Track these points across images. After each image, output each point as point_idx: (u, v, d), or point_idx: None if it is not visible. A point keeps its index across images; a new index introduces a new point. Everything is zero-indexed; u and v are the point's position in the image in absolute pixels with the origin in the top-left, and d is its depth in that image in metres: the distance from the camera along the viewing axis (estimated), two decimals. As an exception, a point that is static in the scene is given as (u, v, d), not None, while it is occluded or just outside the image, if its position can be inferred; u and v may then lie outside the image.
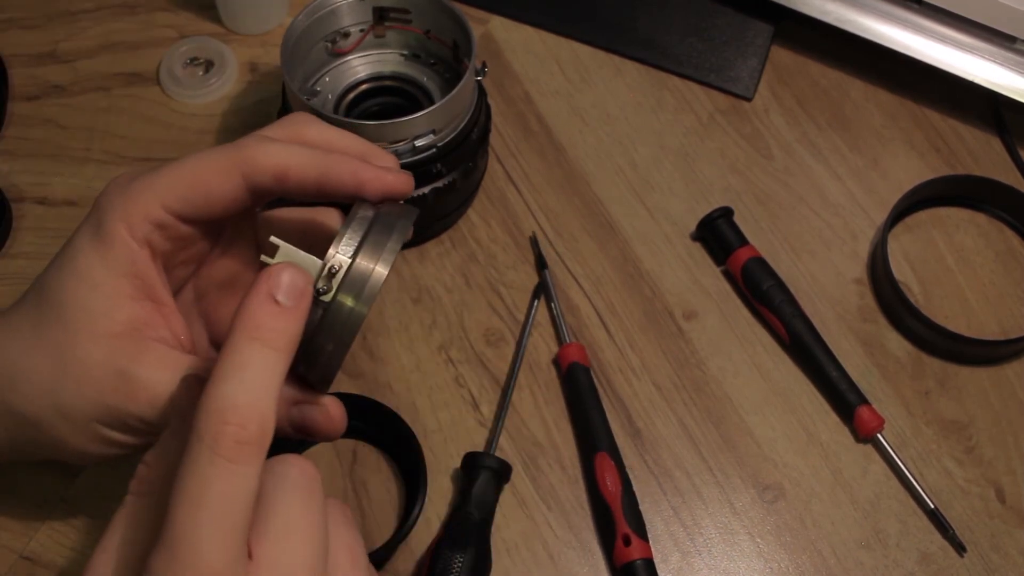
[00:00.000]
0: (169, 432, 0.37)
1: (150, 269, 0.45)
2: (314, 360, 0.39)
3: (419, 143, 0.55)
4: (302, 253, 0.39)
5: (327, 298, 0.38)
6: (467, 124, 0.57)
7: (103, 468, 0.55)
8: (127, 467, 0.55)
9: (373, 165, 0.43)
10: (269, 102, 0.66)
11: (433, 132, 0.55)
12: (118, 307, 0.45)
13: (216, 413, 0.33)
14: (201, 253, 0.47)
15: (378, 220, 0.40)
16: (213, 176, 0.44)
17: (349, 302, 0.38)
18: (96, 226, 0.44)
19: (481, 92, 0.58)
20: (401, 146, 0.55)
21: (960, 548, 0.54)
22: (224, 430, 0.33)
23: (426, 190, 0.56)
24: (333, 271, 0.38)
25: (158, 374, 0.44)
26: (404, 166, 0.55)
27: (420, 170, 0.56)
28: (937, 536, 0.54)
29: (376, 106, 0.61)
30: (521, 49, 0.68)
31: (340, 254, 0.38)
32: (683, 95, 0.67)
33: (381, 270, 0.38)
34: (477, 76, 0.57)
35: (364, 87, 0.61)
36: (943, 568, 0.54)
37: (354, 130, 0.54)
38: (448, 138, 0.56)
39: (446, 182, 0.57)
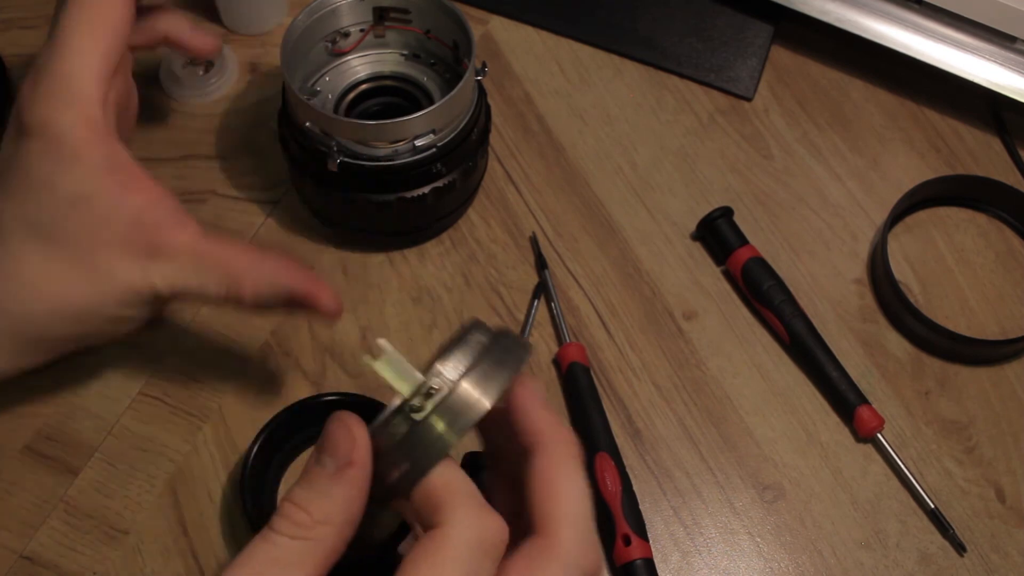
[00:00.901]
0: (328, 478, 0.37)
1: (119, 149, 0.47)
2: (383, 477, 0.37)
3: (419, 143, 0.55)
4: (406, 363, 0.37)
5: (418, 416, 0.36)
6: (467, 124, 0.57)
7: (103, 468, 0.55)
8: (127, 467, 0.55)
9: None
10: (269, 102, 0.66)
11: (433, 132, 0.55)
12: (118, 207, 0.46)
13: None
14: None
15: (492, 350, 0.38)
16: (118, 14, 0.47)
17: (440, 427, 0.36)
18: (56, 144, 0.45)
19: (481, 92, 0.58)
20: (401, 146, 0.55)
21: (960, 548, 0.54)
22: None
23: (426, 190, 0.56)
24: (431, 392, 0.36)
25: (175, 267, 0.47)
26: (404, 166, 0.55)
27: (420, 170, 0.55)
28: (937, 536, 0.54)
29: (376, 106, 0.61)
30: (521, 49, 0.68)
31: (445, 373, 0.37)
32: (683, 95, 0.67)
33: (485, 402, 0.36)
34: (477, 76, 0.57)
35: (364, 87, 0.61)
36: (943, 568, 0.54)
37: (355, 130, 0.54)
38: (448, 138, 0.56)
39: (446, 182, 0.57)
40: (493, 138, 0.64)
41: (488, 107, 0.60)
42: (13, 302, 0.47)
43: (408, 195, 0.56)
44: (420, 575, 0.35)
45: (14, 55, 0.67)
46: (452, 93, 0.54)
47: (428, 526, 0.36)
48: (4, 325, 0.48)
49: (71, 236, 0.46)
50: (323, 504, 0.36)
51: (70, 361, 0.57)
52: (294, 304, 0.49)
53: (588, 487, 0.38)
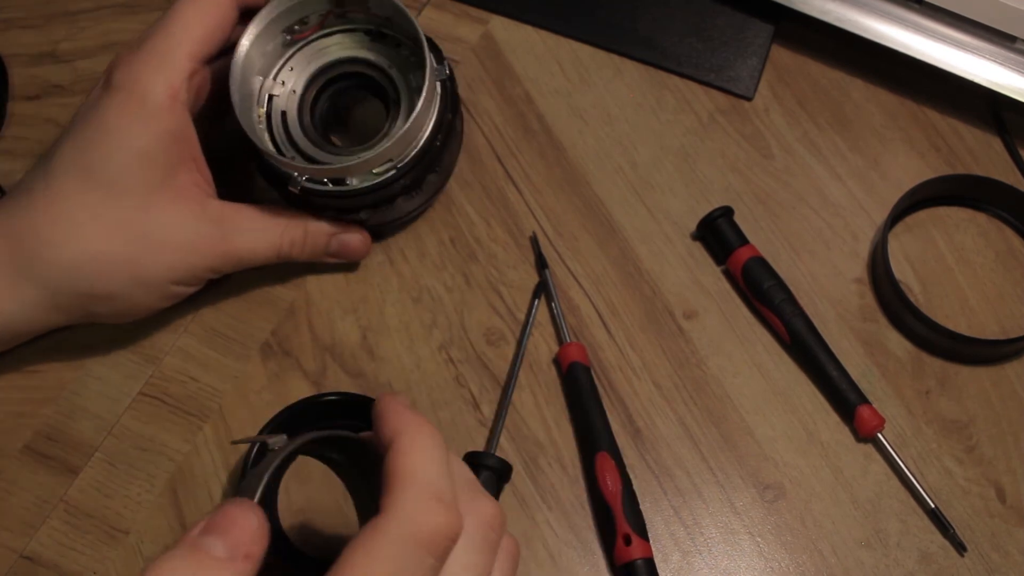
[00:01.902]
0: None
1: (190, 126, 0.50)
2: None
3: (377, 170, 0.53)
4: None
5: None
6: (429, 136, 0.54)
7: (103, 468, 0.55)
8: (127, 467, 0.55)
9: None
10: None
11: (390, 160, 0.53)
12: (176, 173, 0.50)
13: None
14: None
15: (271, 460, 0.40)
16: (223, 13, 0.50)
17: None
18: (139, 101, 0.48)
19: (447, 88, 0.55)
20: (357, 177, 0.53)
21: (960, 547, 0.54)
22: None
23: (393, 203, 0.55)
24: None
25: (227, 230, 0.52)
26: (366, 189, 0.54)
27: (383, 191, 0.54)
28: (937, 535, 0.54)
29: (335, 96, 0.58)
30: (521, 49, 0.68)
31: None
32: (683, 95, 0.67)
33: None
34: (440, 78, 0.54)
35: (325, 78, 0.58)
36: (943, 567, 0.54)
37: (299, 170, 0.53)
38: (408, 157, 0.54)
39: (414, 191, 0.56)
40: (493, 138, 0.64)
41: (456, 98, 0.57)
42: (54, 248, 0.49)
43: (375, 208, 0.55)
44: (354, 567, 0.34)
45: (14, 55, 0.67)
46: (401, 131, 0.52)
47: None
48: (41, 272, 0.49)
49: (130, 188, 0.48)
50: None
51: (70, 361, 0.57)
52: (335, 254, 0.57)
53: (442, 456, 0.37)
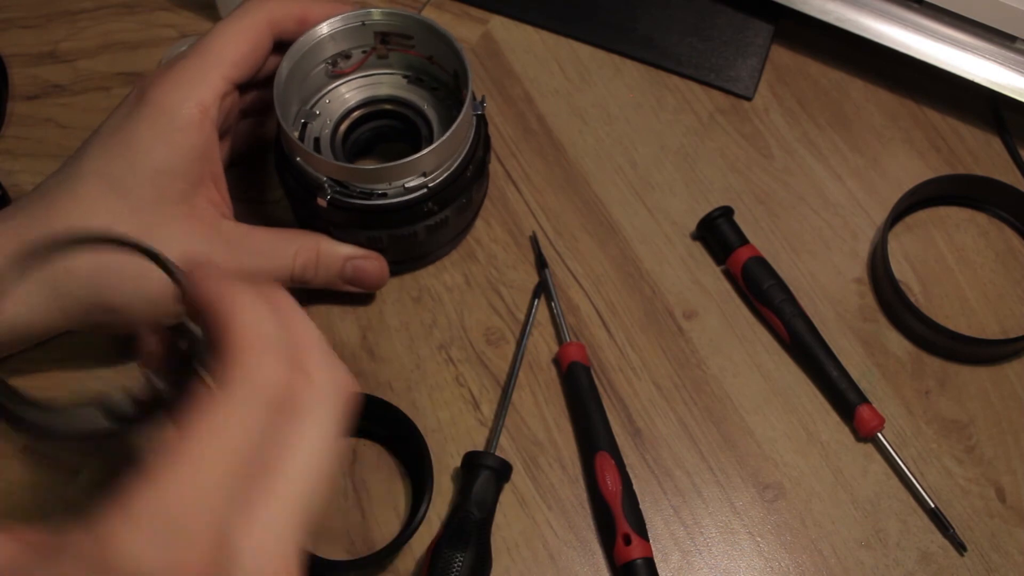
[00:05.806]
0: None
1: (215, 145, 0.51)
2: None
3: (409, 184, 0.53)
4: None
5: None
6: (461, 163, 0.55)
7: (104, 468, 0.55)
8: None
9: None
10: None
11: (424, 174, 0.54)
12: (196, 191, 0.50)
13: None
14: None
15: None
16: (258, 40, 0.51)
17: None
18: (168, 116, 0.49)
19: (481, 124, 0.57)
20: (390, 188, 0.53)
21: (960, 547, 0.54)
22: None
23: (417, 227, 0.55)
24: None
25: (238, 252, 0.52)
26: (394, 206, 0.54)
27: (411, 210, 0.54)
28: (937, 535, 0.54)
29: (368, 132, 0.59)
30: (521, 49, 0.68)
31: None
32: (683, 95, 0.67)
33: None
34: (475, 111, 0.55)
35: (362, 111, 0.59)
36: (943, 567, 0.54)
37: (337, 171, 0.53)
38: (440, 178, 0.54)
39: (438, 220, 0.55)
40: (493, 138, 0.64)
41: (488, 138, 0.58)
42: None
43: (399, 232, 0.55)
44: (201, 443, 0.30)
45: (14, 55, 0.67)
46: (440, 140, 0.52)
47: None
48: (50, 276, 0.49)
49: (149, 201, 0.49)
50: None
51: (71, 360, 0.57)
52: (350, 280, 0.56)
53: (270, 313, 0.34)
